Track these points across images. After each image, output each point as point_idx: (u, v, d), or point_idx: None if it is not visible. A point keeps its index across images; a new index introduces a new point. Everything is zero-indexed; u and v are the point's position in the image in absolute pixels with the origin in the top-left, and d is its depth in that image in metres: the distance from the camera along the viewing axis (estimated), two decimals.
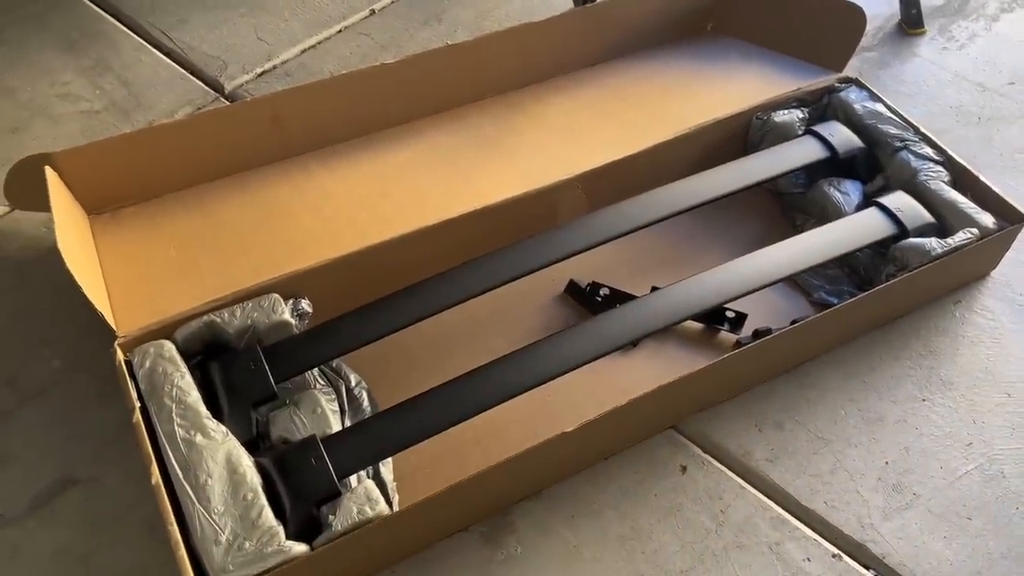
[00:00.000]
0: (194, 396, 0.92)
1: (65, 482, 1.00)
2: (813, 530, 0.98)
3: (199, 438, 0.88)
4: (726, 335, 1.12)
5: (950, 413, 1.07)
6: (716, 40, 1.42)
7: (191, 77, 1.46)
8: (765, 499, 1.00)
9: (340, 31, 1.54)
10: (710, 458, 1.03)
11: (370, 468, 0.93)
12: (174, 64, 1.48)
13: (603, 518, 0.98)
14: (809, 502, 1.00)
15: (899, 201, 1.14)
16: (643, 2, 1.37)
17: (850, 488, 1.01)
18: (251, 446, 0.92)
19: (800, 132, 1.24)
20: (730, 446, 1.04)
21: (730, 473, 1.02)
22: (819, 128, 1.23)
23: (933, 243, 1.09)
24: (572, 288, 1.16)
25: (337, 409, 0.98)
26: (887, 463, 1.03)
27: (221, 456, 0.87)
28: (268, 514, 0.84)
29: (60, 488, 1.00)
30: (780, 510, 0.99)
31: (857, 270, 1.17)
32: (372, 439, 0.92)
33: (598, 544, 0.96)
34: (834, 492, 1.01)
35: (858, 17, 1.28)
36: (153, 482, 0.86)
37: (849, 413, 1.07)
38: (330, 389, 1.00)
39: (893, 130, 1.22)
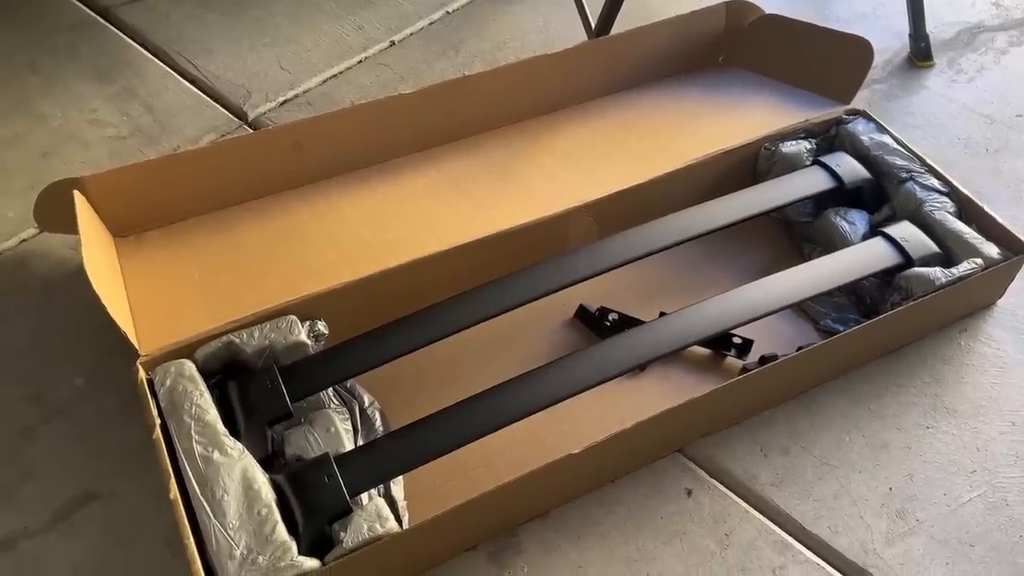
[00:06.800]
0: (212, 414, 0.95)
1: (86, 496, 1.03)
2: (816, 555, 0.99)
3: (216, 455, 0.91)
4: (732, 361, 1.14)
5: (954, 441, 1.08)
6: (727, 72, 1.45)
7: (215, 105, 1.50)
8: (769, 523, 1.02)
9: (361, 61, 1.59)
10: (716, 482, 1.05)
11: (381, 486, 0.95)
12: (199, 92, 1.52)
13: (609, 539, 1.00)
14: (813, 527, 1.01)
15: (904, 231, 1.16)
16: (655, 35, 1.40)
17: (854, 513, 1.02)
18: (266, 463, 0.95)
19: (807, 163, 1.26)
20: (735, 470, 1.06)
21: (735, 497, 1.04)
22: (826, 159, 1.25)
23: (937, 273, 1.10)
24: (582, 313, 1.18)
25: (350, 428, 1.01)
26: (891, 489, 1.04)
27: (237, 472, 0.90)
28: (281, 530, 0.87)
29: (81, 502, 1.02)
30: (784, 534, 1.01)
31: (863, 298, 1.18)
32: (383, 458, 0.95)
33: (604, 565, 0.98)
34: (838, 517, 1.02)
35: (866, 51, 1.31)
36: (171, 497, 0.88)
37: (854, 439, 1.08)
38: (343, 409, 1.03)
39: (899, 161, 1.24)
